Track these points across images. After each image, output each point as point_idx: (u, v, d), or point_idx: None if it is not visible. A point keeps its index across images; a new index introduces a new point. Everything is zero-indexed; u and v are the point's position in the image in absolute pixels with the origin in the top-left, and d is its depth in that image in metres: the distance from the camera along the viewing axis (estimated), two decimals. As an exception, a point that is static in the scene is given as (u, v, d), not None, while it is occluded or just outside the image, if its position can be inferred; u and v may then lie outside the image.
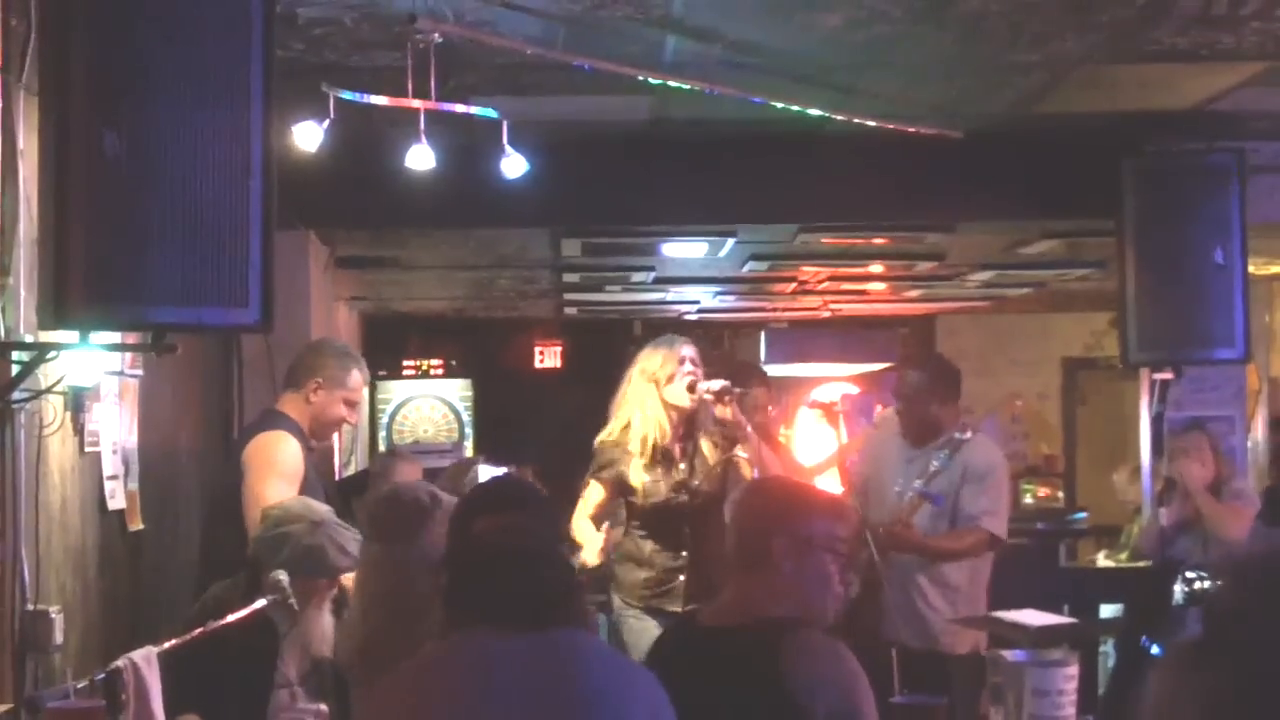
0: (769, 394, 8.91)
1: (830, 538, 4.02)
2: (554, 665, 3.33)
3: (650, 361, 6.68)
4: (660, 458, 6.63)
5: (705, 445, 6.70)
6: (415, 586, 4.35)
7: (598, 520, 6.76)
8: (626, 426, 6.68)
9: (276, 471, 5.97)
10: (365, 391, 6.65)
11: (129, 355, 5.65)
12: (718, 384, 6.65)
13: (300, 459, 6.10)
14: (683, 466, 6.66)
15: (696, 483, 6.62)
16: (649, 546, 6.66)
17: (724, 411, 6.61)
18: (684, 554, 6.62)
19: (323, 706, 5.37)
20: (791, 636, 3.85)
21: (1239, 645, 2.33)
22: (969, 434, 7.00)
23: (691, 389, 6.62)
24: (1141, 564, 8.95)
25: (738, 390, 6.75)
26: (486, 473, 5.46)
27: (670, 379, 6.62)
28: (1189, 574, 4.76)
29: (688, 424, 6.70)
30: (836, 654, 3.89)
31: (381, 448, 13.63)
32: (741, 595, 4.01)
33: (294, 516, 5.36)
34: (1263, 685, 2.30)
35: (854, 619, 6.68)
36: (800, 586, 3.97)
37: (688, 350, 6.70)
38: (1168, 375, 7.92)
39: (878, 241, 9.46)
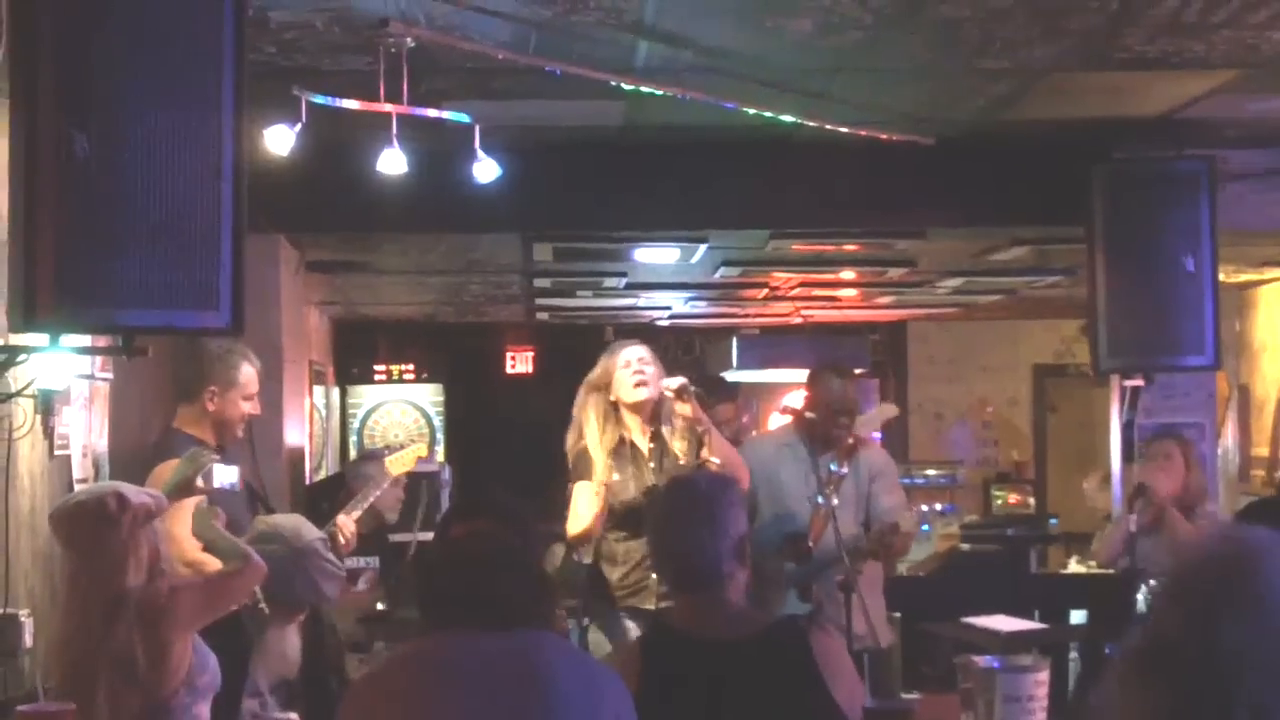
0: (736, 408, 8.87)
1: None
2: (521, 666, 3.42)
3: (593, 373, 6.70)
4: (629, 457, 6.62)
5: (675, 444, 6.70)
6: (105, 591, 4.35)
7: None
8: (586, 434, 6.67)
9: None
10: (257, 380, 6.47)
11: (99, 358, 5.62)
12: (676, 381, 6.64)
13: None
14: (651, 465, 6.65)
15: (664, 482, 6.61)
16: (622, 547, 6.66)
17: (684, 409, 6.60)
18: None
19: (293, 716, 5.36)
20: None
21: (1177, 660, 2.34)
22: (851, 438, 7.06)
23: (640, 385, 6.61)
24: (1111, 571, 8.98)
25: (694, 389, 6.74)
26: (220, 471, 5.36)
27: (613, 381, 6.62)
28: (1153, 581, 4.77)
29: (652, 421, 6.69)
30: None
31: (352, 452, 13.60)
32: (730, 598, 4.03)
33: (276, 537, 5.35)
34: (1199, 699, 2.31)
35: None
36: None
37: (631, 352, 6.68)
38: (1138, 382, 7.93)
39: (849, 248, 9.47)
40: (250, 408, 6.34)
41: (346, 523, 6.64)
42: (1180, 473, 7.74)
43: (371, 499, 7.17)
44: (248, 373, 6.30)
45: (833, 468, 6.85)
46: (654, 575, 6.63)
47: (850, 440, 7.05)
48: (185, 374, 6.29)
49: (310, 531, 5.53)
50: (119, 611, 4.34)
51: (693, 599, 4.01)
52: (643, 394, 6.61)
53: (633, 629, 6.50)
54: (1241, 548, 2.41)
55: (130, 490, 4.51)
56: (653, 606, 6.54)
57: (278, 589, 5.31)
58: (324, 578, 5.50)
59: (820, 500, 6.72)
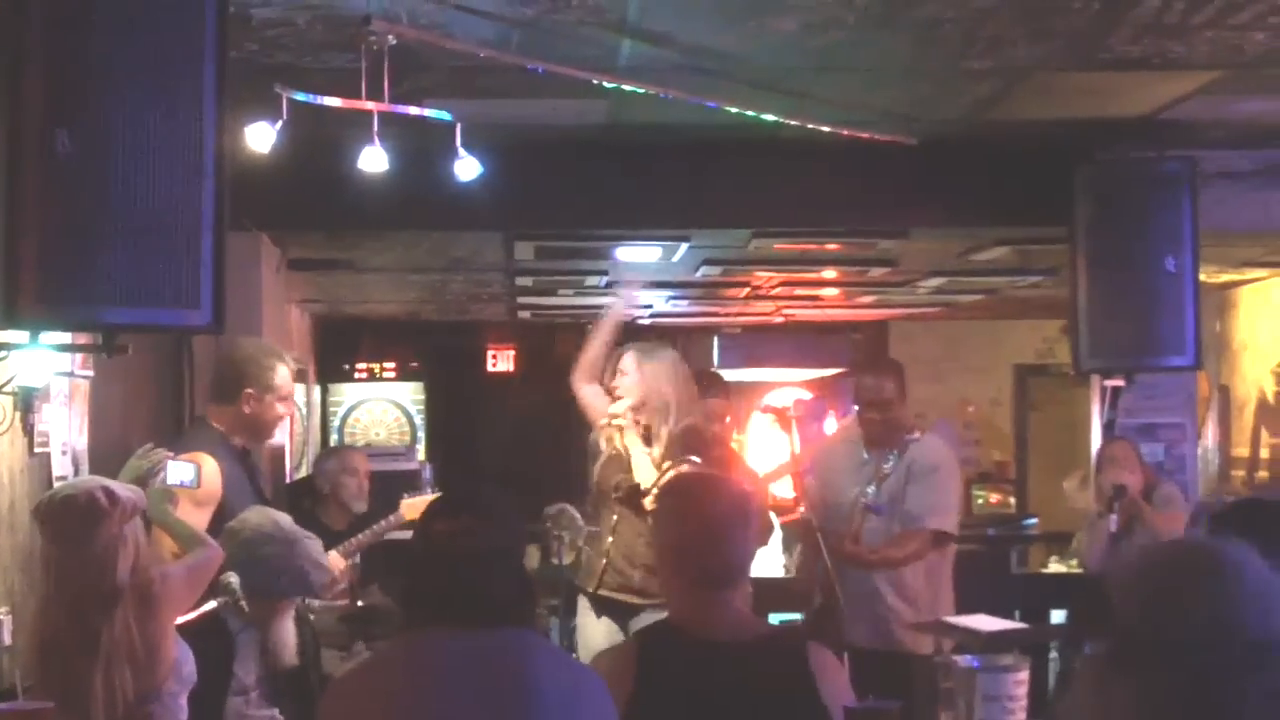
0: (727, 404, 8.90)
1: None
2: (504, 664, 3.41)
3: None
4: (621, 452, 6.77)
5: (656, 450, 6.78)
6: (98, 584, 4.35)
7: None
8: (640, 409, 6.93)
9: (187, 497, 5.64)
10: (295, 384, 6.53)
11: (79, 356, 5.61)
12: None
13: (216, 480, 5.84)
14: (634, 464, 6.77)
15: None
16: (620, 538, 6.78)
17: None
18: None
19: (277, 713, 5.34)
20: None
21: (1142, 659, 2.35)
22: (917, 434, 7.09)
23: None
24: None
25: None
26: (174, 469, 5.36)
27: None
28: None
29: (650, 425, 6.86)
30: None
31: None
32: (737, 603, 4.03)
33: (265, 537, 5.33)
34: (1166, 695, 2.32)
35: (817, 627, 6.75)
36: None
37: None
38: (1119, 382, 7.96)
39: (831, 247, 9.47)
40: (284, 409, 6.34)
41: (337, 560, 6.75)
42: (1138, 467, 7.96)
43: (377, 535, 7.30)
44: (284, 374, 6.29)
45: (886, 466, 6.95)
46: (605, 560, 6.71)
47: (915, 435, 7.22)
48: (222, 375, 6.26)
49: (285, 519, 5.53)
50: (115, 602, 4.34)
51: (708, 597, 3.94)
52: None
53: (609, 623, 6.61)
54: (1195, 541, 2.44)
55: (115, 485, 4.52)
56: (591, 590, 6.66)
57: (292, 588, 5.33)
58: (319, 559, 5.51)
59: (867, 496, 6.84)
